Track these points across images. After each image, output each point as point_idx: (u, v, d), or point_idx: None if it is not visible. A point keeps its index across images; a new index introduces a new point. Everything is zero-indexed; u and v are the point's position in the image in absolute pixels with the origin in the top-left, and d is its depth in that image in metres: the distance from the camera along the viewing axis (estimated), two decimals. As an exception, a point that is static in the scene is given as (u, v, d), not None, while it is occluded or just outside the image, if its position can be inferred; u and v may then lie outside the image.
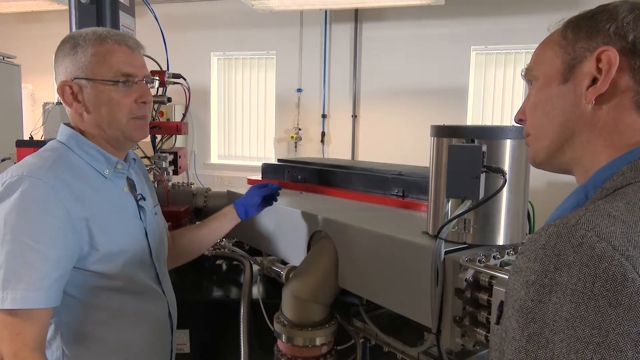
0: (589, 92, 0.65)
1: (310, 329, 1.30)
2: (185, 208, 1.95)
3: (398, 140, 5.16)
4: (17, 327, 0.98)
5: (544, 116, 0.72)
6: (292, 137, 5.54)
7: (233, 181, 5.42)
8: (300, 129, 5.56)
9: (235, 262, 1.99)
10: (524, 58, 4.86)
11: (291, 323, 1.32)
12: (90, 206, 1.08)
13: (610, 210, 0.55)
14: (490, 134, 1.04)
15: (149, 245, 1.23)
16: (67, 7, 1.86)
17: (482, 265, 0.99)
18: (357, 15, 5.28)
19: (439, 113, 5.02)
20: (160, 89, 2.04)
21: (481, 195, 1.02)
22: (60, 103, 1.19)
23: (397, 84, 5.23)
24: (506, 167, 1.03)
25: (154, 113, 2.10)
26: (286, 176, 1.94)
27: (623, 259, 0.50)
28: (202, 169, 5.81)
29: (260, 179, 2.00)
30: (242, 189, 1.88)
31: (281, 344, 1.35)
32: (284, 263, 1.58)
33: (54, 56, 1.16)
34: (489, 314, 0.97)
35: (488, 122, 5.07)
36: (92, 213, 1.08)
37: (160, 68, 2.01)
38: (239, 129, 5.95)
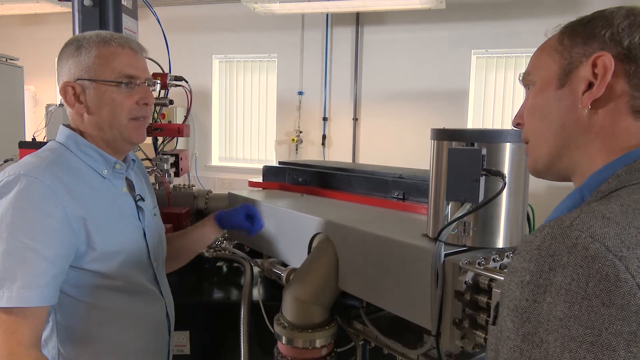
0: (585, 97, 0.66)
1: (310, 331, 1.30)
2: (186, 210, 1.96)
3: (399, 143, 5.16)
4: (12, 325, 0.98)
5: (541, 120, 0.73)
6: (293, 139, 5.54)
7: (234, 183, 5.42)
8: (301, 132, 5.56)
9: (235, 264, 2.00)
10: (525, 62, 4.86)
11: (291, 325, 1.32)
12: (88, 205, 1.08)
13: (604, 212, 0.56)
14: (490, 138, 1.05)
15: (147, 245, 1.23)
16: (71, 10, 1.87)
17: (482, 267, 0.99)
18: (358, 19, 5.29)
19: (439, 116, 5.02)
20: (162, 92, 2.05)
21: (481, 198, 1.02)
22: (63, 105, 1.19)
23: (397, 87, 5.23)
24: (506, 171, 1.04)
25: (155, 115, 2.11)
26: (287, 179, 1.95)
27: (616, 259, 0.51)
28: (203, 171, 5.81)
29: (262, 181, 2.01)
30: (243, 191, 1.89)
31: (281, 346, 1.35)
32: (285, 265, 1.59)
33: (57, 58, 1.17)
34: (489, 316, 0.97)
35: (488, 126, 5.07)
36: (90, 212, 1.08)
37: (162, 70, 2.02)
38: (240, 131, 5.95)
